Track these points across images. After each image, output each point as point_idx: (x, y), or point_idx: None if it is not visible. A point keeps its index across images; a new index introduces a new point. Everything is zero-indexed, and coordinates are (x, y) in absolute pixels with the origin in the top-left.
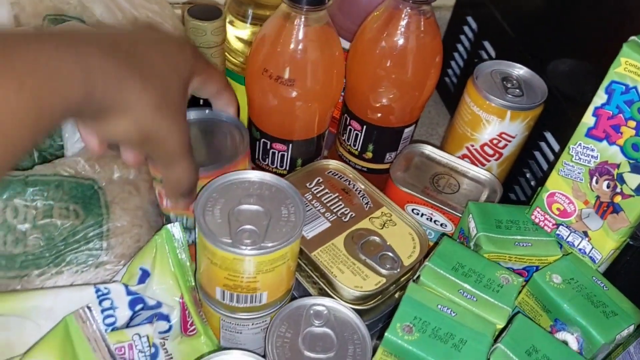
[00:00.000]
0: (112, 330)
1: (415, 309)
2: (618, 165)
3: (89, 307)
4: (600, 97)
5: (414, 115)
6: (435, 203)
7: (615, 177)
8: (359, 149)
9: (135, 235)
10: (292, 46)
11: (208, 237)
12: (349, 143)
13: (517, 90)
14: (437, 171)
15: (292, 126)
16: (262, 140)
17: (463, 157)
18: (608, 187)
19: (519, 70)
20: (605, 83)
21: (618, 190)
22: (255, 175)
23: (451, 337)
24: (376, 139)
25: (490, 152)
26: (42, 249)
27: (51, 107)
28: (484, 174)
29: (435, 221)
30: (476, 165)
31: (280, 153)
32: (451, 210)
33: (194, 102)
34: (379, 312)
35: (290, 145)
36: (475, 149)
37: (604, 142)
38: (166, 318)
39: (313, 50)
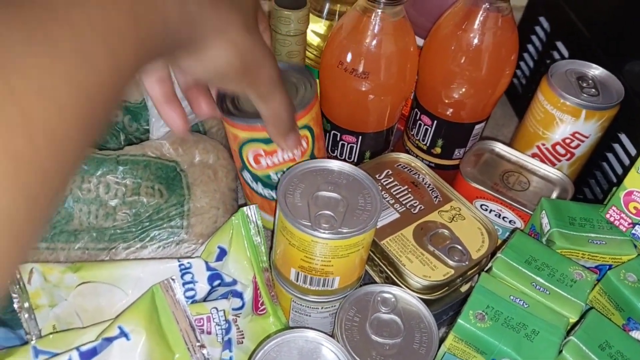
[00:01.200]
0: (192, 303)
1: (487, 297)
2: None
3: (173, 279)
4: None
5: (485, 112)
6: (504, 199)
7: None
8: (427, 144)
9: (213, 217)
10: (367, 40)
11: (288, 218)
12: (417, 138)
13: (593, 90)
14: (507, 168)
15: (363, 119)
16: (333, 132)
17: (533, 156)
18: None
19: (595, 70)
20: None
21: None
22: (334, 164)
23: (523, 327)
24: (446, 135)
25: (562, 151)
26: (129, 224)
27: (149, 35)
28: (555, 173)
29: (504, 218)
30: (545, 163)
31: (350, 145)
32: (521, 207)
33: None
34: (444, 304)
35: (360, 137)
36: (547, 148)
37: None
38: (240, 295)
39: (388, 44)
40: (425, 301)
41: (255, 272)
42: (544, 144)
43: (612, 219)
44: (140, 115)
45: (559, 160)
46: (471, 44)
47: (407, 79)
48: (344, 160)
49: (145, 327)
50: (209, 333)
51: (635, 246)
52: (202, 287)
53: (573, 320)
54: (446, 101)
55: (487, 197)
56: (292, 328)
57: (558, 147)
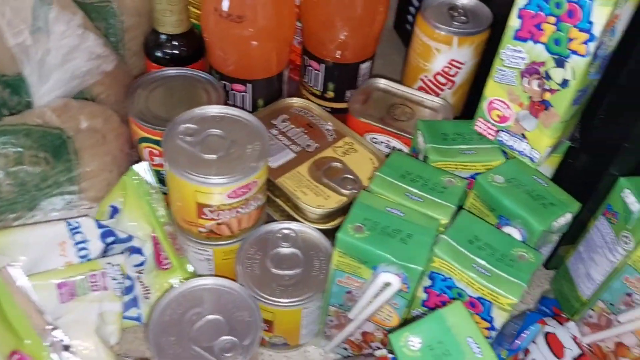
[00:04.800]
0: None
1: (365, 211)
2: (544, 63)
3: (12, 265)
4: None
5: (368, 50)
6: (391, 129)
7: (543, 75)
8: (320, 89)
9: (105, 179)
10: None
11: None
12: (311, 85)
13: (463, 18)
14: (393, 102)
15: (248, 65)
16: (222, 82)
17: (419, 89)
18: (538, 86)
19: (464, 0)
20: None
21: (547, 87)
22: (217, 109)
23: (399, 232)
24: (335, 77)
25: (443, 80)
26: (15, 194)
27: None
28: (437, 101)
29: (393, 147)
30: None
31: (241, 94)
32: (406, 135)
33: (174, 62)
34: None
35: (250, 85)
36: (429, 80)
37: (530, 42)
38: (139, 251)
39: None
40: (324, 232)
41: (154, 226)
42: (426, 76)
43: (480, 130)
44: (20, 87)
45: (442, 90)
46: None
47: (285, 22)
48: None
49: None
50: (106, 288)
51: (505, 152)
52: (96, 245)
53: (445, 221)
54: (329, 44)
55: (375, 129)
56: (199, 276)
57: (439, 77)
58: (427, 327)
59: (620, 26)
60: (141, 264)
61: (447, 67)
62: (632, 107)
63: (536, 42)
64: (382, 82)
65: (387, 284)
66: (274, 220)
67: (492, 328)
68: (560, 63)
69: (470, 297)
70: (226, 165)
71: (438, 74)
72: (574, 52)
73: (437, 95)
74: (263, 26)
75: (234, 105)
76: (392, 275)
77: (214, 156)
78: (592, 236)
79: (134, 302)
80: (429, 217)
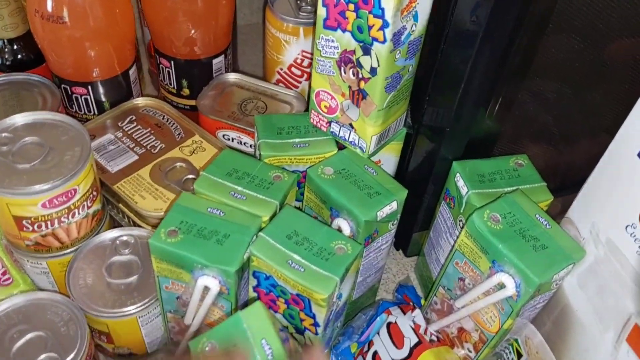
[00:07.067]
0: None
1: (183, 214)
2: (354, 51)
3: None
4: None
5: (218, 45)
6: (240, 126)
7: (356, 64)
8: (175, 87)
9: None
10: None
11: None
12: (165, 82)
13: (310, 7)
14: (245, 97)
15: (85, 67)
16: (63, 86)
17: (277, 82)
18: (353, 74)
19: None
20: None
21: (360, 75)
22: (34, 116)
23: (215, 234)
24: (188, 74)
25: (298, 72)
26: None
27: None
28: (290, 93)
29: (244, 143)
30: (290, 88)
31: (83, 97)
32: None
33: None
34: None
35: (90, 87)
36: (285, 72)
37: (339, 31)
38: None
39: None
40: None
41: None
42: (281, 69)
43: (314, 122)
44: None
45: (299, 82)
46: None
47: (121, 22)
48: (85, 114)
49: None
50: None
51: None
52: None
53: (266, 218)
54: (176, 40)
55: (225, 126)
56: (29, 291)
57: (293, 69)
58: (224, 331)
59: (423, 11)
60: None
61: (299, 58)
62: (449, 92)
63: (344, 30)
64: (233, 77)
65: (207, 288)
66: (120, 226)
67: (316, 324)
68: (366, 51)
69: (291, 294)
70: (38, 175)
71: (292, 65)
72: (375, 39)
73: (296, 87)
74: (91, 27)
75: (79, 109)
76: (210, 278)
77: (27, 165)
78: (438, 221)
79: None
80: (251, 215)
